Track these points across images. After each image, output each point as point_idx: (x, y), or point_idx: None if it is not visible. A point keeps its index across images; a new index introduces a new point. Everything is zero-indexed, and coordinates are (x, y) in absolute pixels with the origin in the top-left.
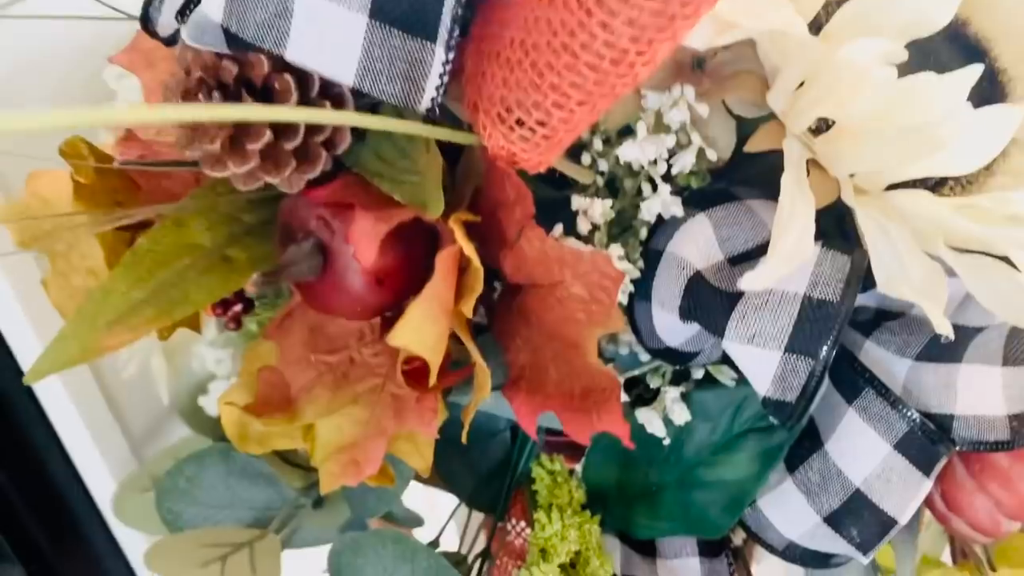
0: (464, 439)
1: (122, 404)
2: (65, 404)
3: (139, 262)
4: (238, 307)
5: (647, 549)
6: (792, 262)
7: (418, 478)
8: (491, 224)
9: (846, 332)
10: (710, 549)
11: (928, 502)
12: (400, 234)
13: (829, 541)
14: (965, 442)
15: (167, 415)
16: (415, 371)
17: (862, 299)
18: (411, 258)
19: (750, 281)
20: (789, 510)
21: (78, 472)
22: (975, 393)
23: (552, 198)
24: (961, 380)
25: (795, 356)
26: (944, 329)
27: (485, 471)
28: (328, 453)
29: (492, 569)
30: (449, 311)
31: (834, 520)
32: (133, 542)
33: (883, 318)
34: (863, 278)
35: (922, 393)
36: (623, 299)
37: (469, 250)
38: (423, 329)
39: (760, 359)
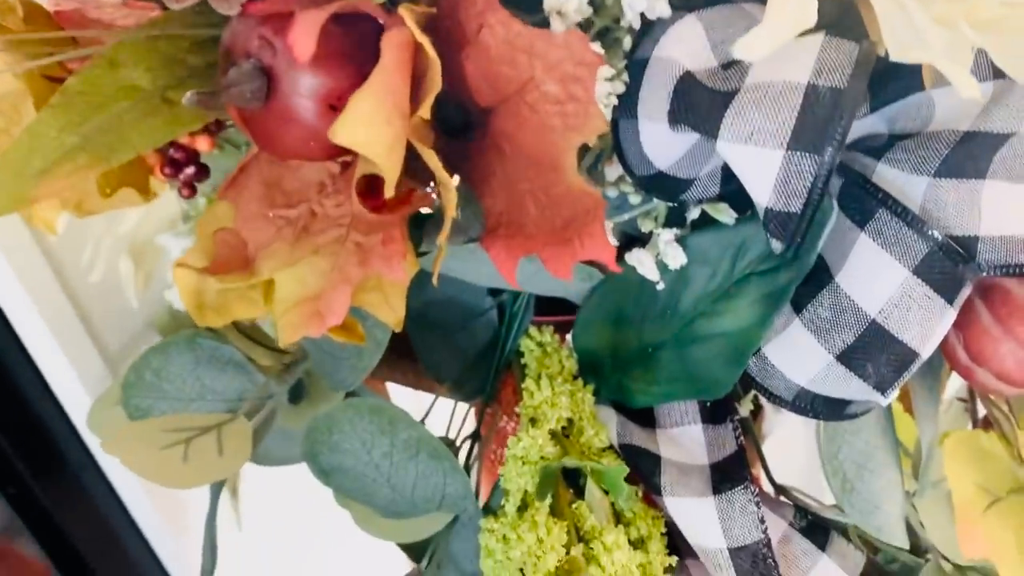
0: (435, 281)
1: (97, 324)
2: (38, 325)
3: (70, 104)
4: (190, 170)
5: (645, 419)
6: (794, 25)
7: (403, 381)
8: (451, 27)
9: (856, 158)
10: (713, 415)
11: (950, 355)
12: (352, 53)
13: (843, 383)
14: (991, 266)
15: (143, 332)
16: (374, 204)
17: (874, 123)
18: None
19: (745, 48)
20: (798, 353)
21: (53, 392)
22: (1002, 211)
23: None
24: (986, 198)
25: (799, 154)
26: (970, 90)
27: (472, 355)
28: (288, 306)
29: (483, 454)
30: (405, 114)
31: (848, 357)
32: (112, 459)
33: (897, 140)
34: (870, 72)
35: (942, 214)
36: (606, 111)
37: (420, 38)
38: (373, 126)
39: (759, 161)
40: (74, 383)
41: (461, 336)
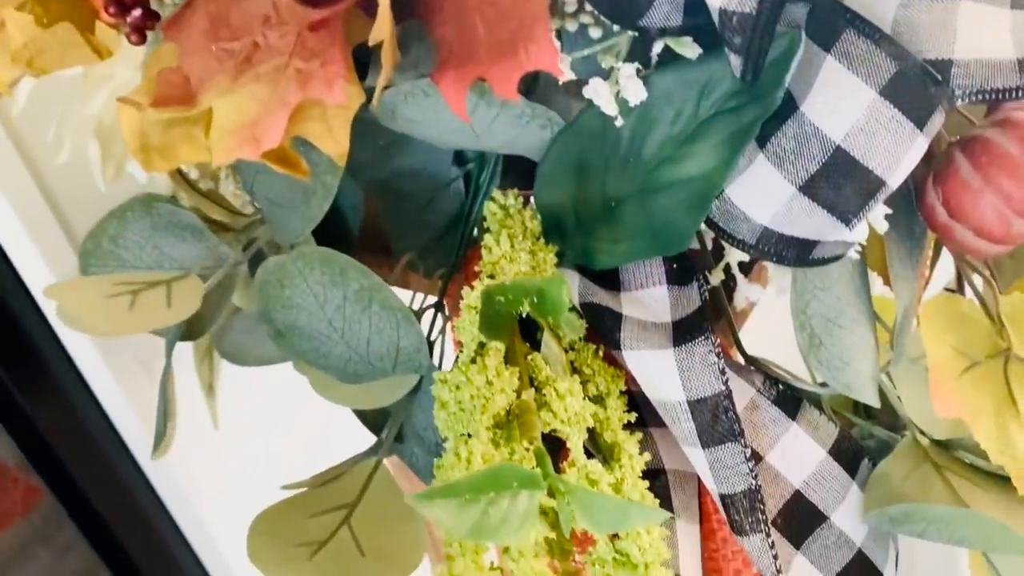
0: (374, 103)
1: (66, 210)
2: (7, 213)
3: None
4: (137, 12)
5: (609, 282)
6: None
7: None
8: None
9: None
10: (680, 276)
11: (928, 214)
12: None
13: (807, 217)
14: (965, 92)
15: None
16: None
17: None
18: None
19: None
20: (761, 189)
21: (23, 281)
22: (978, 34)
23: None
24: (961, 18)
25: None
26: None
27: (439, 227)
28: (224, 132)
29: (446, 328)
30: None
31: (812, 188)
32: (85, 349)
33: None
34: None
35: (914, 35)
36: None
37: None
38: None
39: None
40: (42, 270)
41: (427, 207)
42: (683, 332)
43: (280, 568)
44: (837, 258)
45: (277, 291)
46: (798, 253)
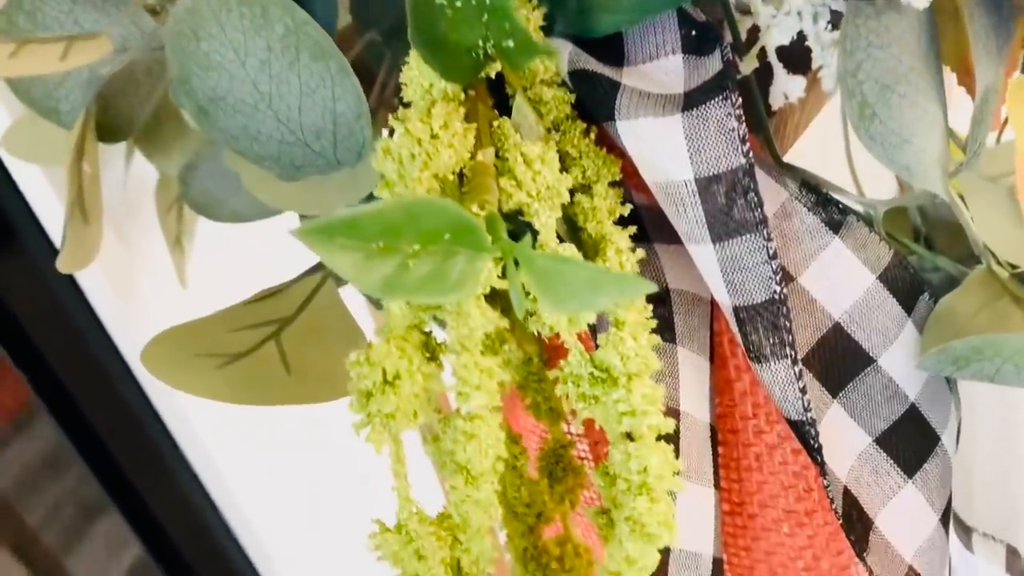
0: None
1: None
2: None
3: None
4: None
5: (611, 55)
6: None
7: None
8: None
9: None
10: (698, 45)
11: None
12: None
13: None
14: None
15: None
16: None
17: None
18: None
19: None
20: None
21: None
22: None
23: None
24: None
25: None
26: None
27: None
28: None
29: None
30: None
31: None
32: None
33: None
34: None
35: None
36: None
37: None
38: None
39: None
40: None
41: None
42: (696, 95)
43: (179, 374)
44: None
45: (192, 46)
46: None
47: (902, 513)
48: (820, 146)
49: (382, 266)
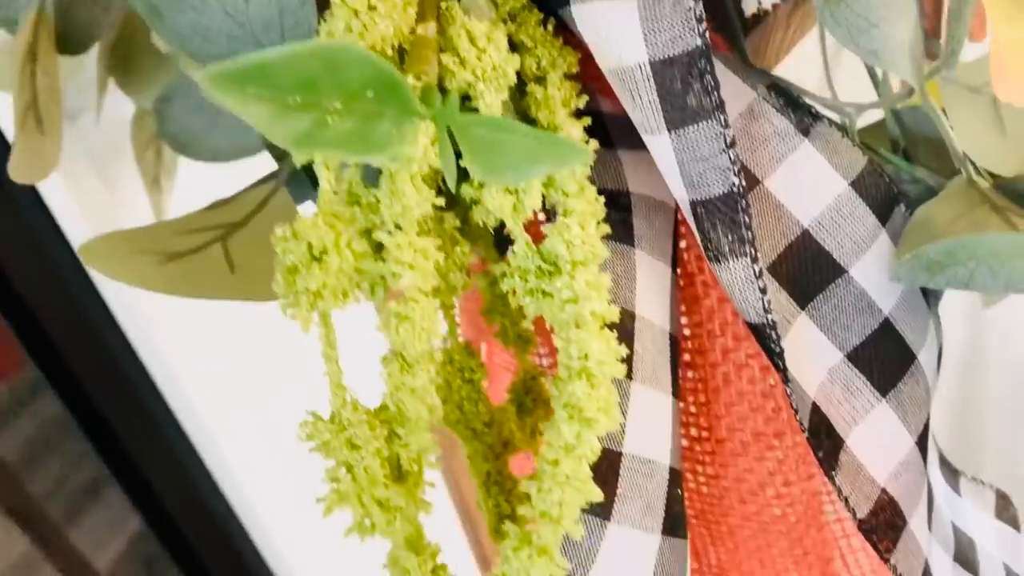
0: None
1: None
2: None
3: None
4: None
5: None
6: None
7: None
8: None
9: None
10: None
11: None
12: None
13: None
14: None
15: None
16: None
17: None
18: None
19: None
20: None
21: None
22: None
23: None
24: None
25: None
26: None
27: None
28: None
29: None
30: None
31: None
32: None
33: None
34: None
35: None
36: None
37: None
38: None
39: None
40: None
41: None
42: None
43: (116, 266)
44: None
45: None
46: None
47: (875, 434)
48: (797, 63)
49: (299, 120)
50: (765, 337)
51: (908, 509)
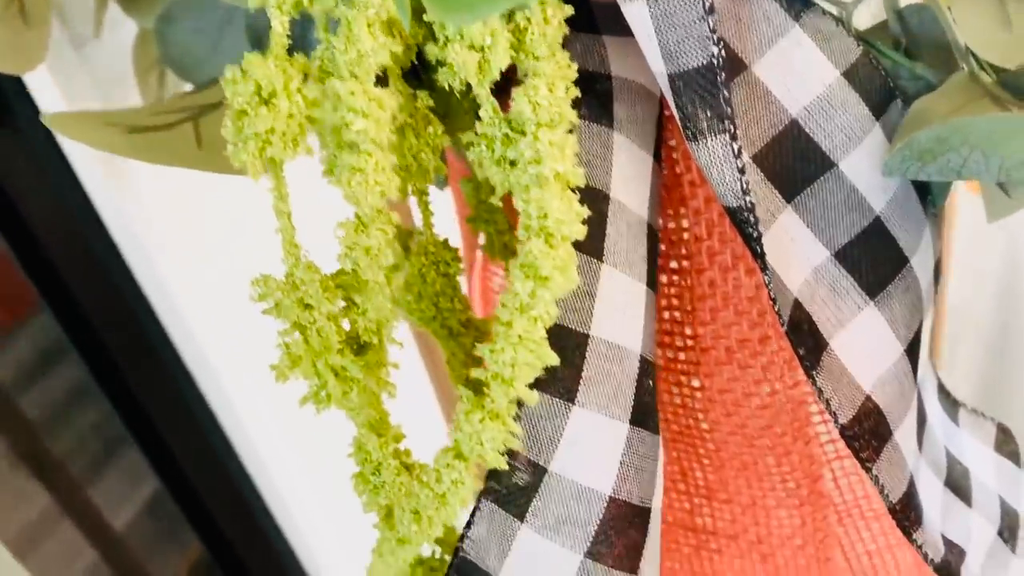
0: None
1: None
2: None
3: None
4: None
5: None
6: None
7: None
8: None
9: None
10: None
11: None
12: None
13: None
14: None
15: None
16: None
17: None
18: None
19: None
20: None
21: None
22: None
23: None
24: None
25: None
26: None
27: None
28: None
29: None
30: None
31: None
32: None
33: None
34: None
35: None
36: None
37: None
38: None
39: None
40: None
41: None
42: None
43: (87, 133)
44: None
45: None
46: None
47: (862, 338)
48: None
49: None
50: (743, 221)
51: (894, 420)
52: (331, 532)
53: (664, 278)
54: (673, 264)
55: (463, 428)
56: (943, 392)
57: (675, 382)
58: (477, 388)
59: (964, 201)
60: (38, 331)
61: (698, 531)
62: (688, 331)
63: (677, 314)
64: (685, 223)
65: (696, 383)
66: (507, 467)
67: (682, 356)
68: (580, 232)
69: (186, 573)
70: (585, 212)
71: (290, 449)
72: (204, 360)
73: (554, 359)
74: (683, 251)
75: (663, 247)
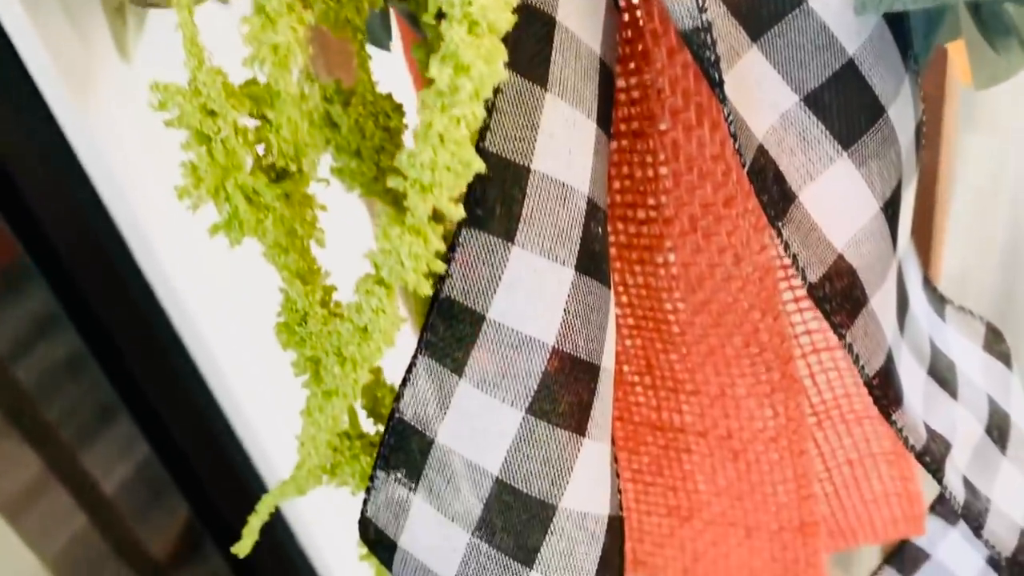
0: None
1: None
2: None
3: None
4: None
5: None
6: None
7: None
8: None
9: None
10: None
11: None
12: None
13: None
14: None
15: None
16: None
17: None
18: None
19: None
20: None
21: None
22: None
23: None
24: None
25: None
26: None
27: None
28: None
29: None
30: None
31: None
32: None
33: None
34: None
35: None
36: None
37: None
38: None
39: None
40: None
41: None
42: None
43: None
44: None
45: None
46: None
47: (834, 192)
48: None
49: None
50: (700, 45)
51: (870, 284)
52: (320, 496)
53: (625, 142)
54: (635, 125)
55: (382, 243)
56: (928, 286)
57: (638, 259)
58: (397, 202)
59: (965, 176)
60: (30, 299)
61: (665, 429)
62: (651, 200)
63: (639, 183)
64: (647, 78)
65: (660, 259)
66: (432, 291)
67: (645, 230)
68: (508, 22)
69: (175, 538)
70: (515, 1)
71: (283, 417)
72: (196, 330)
73: (480, 165)
74: (644, 110)
75: (624, 109)
